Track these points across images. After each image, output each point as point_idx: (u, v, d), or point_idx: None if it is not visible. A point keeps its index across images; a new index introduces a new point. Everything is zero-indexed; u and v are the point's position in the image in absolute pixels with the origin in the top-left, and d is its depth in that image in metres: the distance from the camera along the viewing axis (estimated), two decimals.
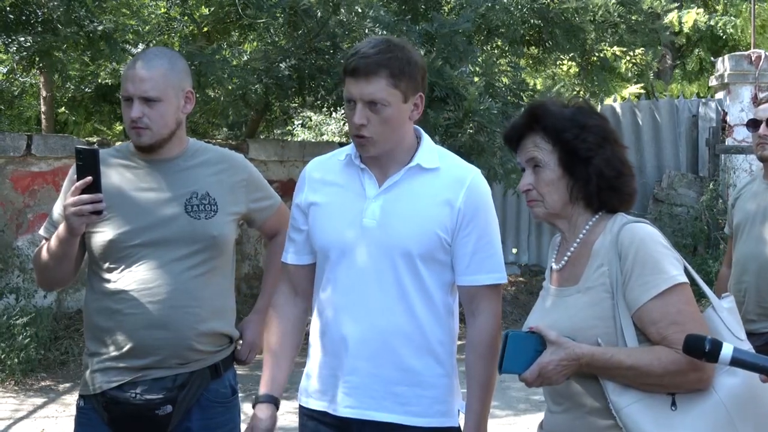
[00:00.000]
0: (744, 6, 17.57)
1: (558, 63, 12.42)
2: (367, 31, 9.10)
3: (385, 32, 9.03)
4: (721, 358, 2.16)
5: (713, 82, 13.42)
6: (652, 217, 11.35)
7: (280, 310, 3.06)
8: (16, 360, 7.98)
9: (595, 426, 2.51)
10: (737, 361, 2.18)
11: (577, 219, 2.63)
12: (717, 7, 18.45)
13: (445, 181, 2.88)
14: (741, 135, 12.09)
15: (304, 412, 2.98)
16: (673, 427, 2.41)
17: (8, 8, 8.62)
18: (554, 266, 2.67)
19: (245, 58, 9.53)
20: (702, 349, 2.18)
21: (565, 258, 2.63)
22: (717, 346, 2.16)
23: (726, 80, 12.71)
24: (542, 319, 2.53)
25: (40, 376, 8.19)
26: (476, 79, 9.66)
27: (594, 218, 2.62)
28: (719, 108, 12.87)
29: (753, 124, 4.40)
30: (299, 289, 3.07)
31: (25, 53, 8.59)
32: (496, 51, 11.07)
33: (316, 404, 2.92)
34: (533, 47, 11.31)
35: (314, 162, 3.06)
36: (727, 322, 2.54)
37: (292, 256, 3.06)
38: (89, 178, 2.97)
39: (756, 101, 3.74)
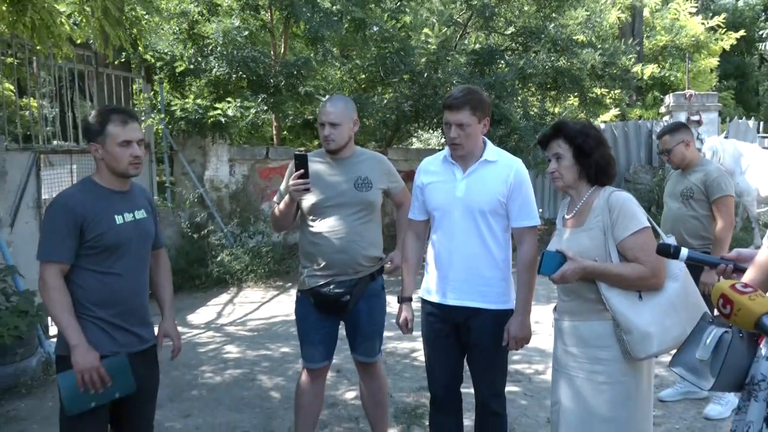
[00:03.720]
0: (682, 65, 16.77)
1: (567, 99, 12.05)
2: (455, 82, 9.04)
3: (465, 82, 8.91)
4: (681, 257, 2.09)
5: (662, 110, 12.75)
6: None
7: (410, 244, 3.05)
8: (262, 270, 8.24)
9: (593, 309, 2.44)
10: (690, 258, 2.09)
11: (581, 189, 2.55)
12: (665, 64, 17.60)
13: (501, 168, 2.83)
14: None
15: (425, 302, 2.96)
16: (639, 308, 2.34)
17: (253, 77, 8.83)
18: (566, 216, 2.59)
19: (385, 101, 9.57)
20: (669, 251, 2.10)
21: (574, 211, 2.55)
22: (678, 249, 2.10)
23: (670, 109, 12.04)
24: (560, 246, 2.47)
25: (275, 279, 8.41)
26: (518, 108, 9.55)
27: (591, 189, 2.53)
28: None
29: (661, 152, 4.30)
30: (418, 233, 3.05)
31: (263, 105, 8.79)
32: (528, 93, 10.82)
33: (433, 297, 2.91)
34: (552, 91, 11.00)
35: (426, 160, 3.01)
36: None
37: (415, 214, 3.03)
38: (302, 170, 3.00)
39: (659, 135, 3.52)
